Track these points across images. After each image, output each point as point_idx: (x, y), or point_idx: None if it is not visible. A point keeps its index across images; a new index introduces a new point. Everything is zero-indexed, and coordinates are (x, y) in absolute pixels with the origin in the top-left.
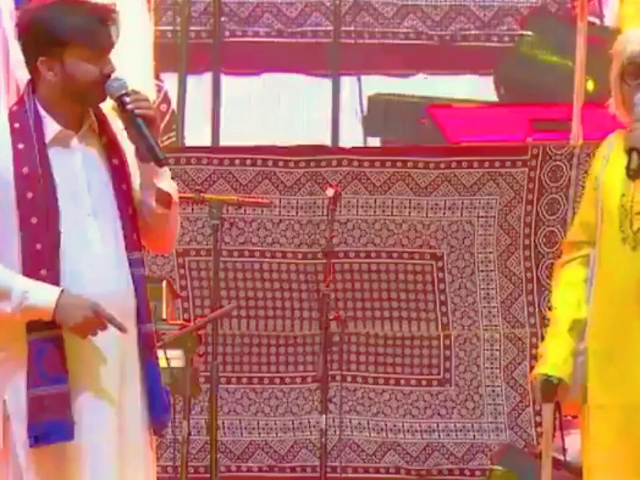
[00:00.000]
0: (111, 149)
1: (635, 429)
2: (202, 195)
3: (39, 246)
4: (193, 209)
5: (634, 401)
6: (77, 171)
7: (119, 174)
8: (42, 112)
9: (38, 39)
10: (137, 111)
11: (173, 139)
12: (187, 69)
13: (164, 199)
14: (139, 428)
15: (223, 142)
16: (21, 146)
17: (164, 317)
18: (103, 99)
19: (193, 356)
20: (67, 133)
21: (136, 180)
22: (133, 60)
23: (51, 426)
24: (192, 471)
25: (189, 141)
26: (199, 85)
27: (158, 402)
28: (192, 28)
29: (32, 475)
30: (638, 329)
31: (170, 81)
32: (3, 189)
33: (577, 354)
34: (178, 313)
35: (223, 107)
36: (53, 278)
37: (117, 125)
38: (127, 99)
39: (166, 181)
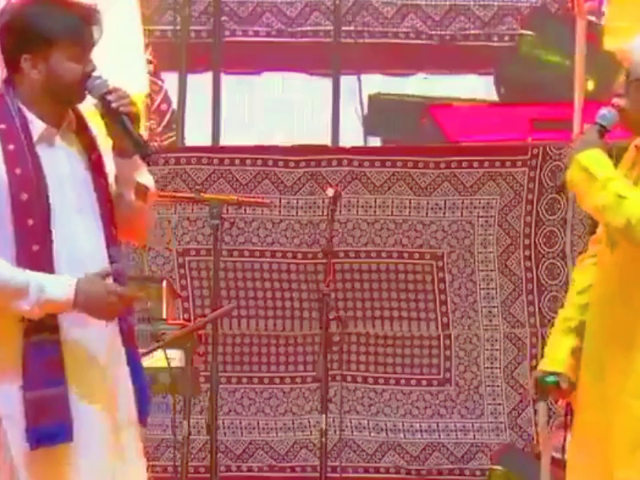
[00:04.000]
0: (89, 146)
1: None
2: (202, 194)
3: (35, 247)
4: (192, 209)
5: (608, 405)
6: (62, 168)
7: (98, 170)
8: (25, 110)
9: (24, 36)
10: (121, 109)
11: (173, 138)
12: (187, 69)
13: (142, 192)
14: (132, 423)
15: (223, 142)
16: (11, 147)
17: (164, 316)
18: (83, 99)
19: (193, 356)
20: (52, 130)
21: (111, 175)
22: (124, 54)
23: (50, 428)
24: (192, 470)
25: (189, 141)
26: (198, 85)
27: (143, 394)
28: (192, 28)
29: (27, 477)
30: (617, 333)
31: (170, 81)
32: None
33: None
34: (178, 312)
35: (223, 107)
36: None
37: (93, 122)
38: (110, 98)
39: (145, 175)
